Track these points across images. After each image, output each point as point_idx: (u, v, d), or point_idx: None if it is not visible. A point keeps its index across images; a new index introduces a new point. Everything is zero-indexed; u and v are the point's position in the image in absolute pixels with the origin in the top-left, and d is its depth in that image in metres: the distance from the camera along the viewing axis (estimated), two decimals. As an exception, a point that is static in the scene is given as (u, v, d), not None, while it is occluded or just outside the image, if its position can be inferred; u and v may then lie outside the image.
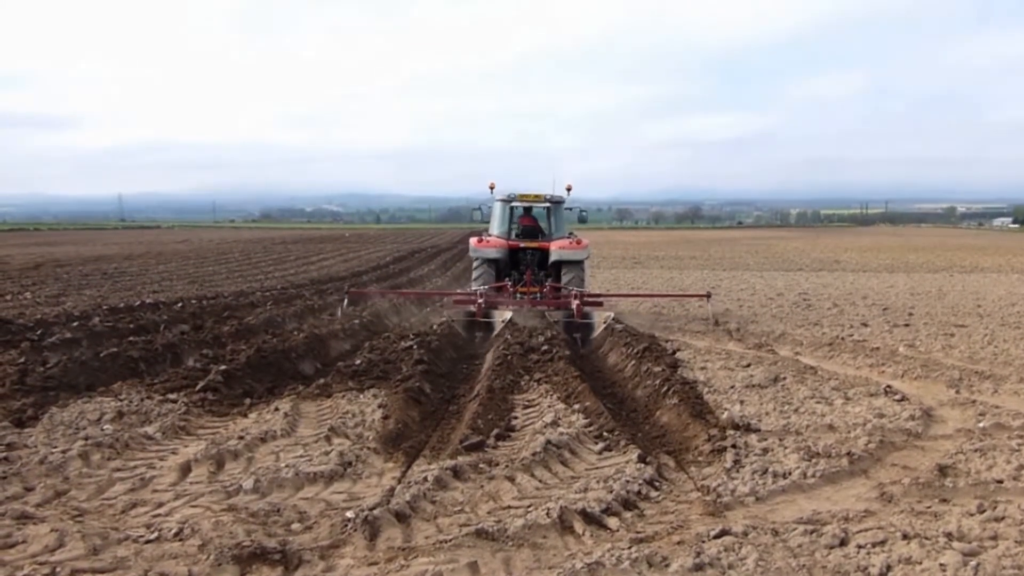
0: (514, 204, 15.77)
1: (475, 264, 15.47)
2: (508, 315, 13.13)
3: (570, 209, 16.83)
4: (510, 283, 15.12)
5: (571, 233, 15.70)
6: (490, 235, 15.77)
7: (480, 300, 13.49)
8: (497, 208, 15.85)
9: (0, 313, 14.70)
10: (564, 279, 14.93)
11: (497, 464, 5.89)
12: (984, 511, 4.87)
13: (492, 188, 16.13)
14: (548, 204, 15.75)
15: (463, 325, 13.21)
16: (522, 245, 15.44)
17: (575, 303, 13.39)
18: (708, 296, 15.79)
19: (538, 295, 14.61)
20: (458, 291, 17.12)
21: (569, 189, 16.41)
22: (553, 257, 14.98)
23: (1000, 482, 5.45)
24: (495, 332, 12.55)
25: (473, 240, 15.69)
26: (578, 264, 14.99)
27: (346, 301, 15.06)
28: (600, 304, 14.81)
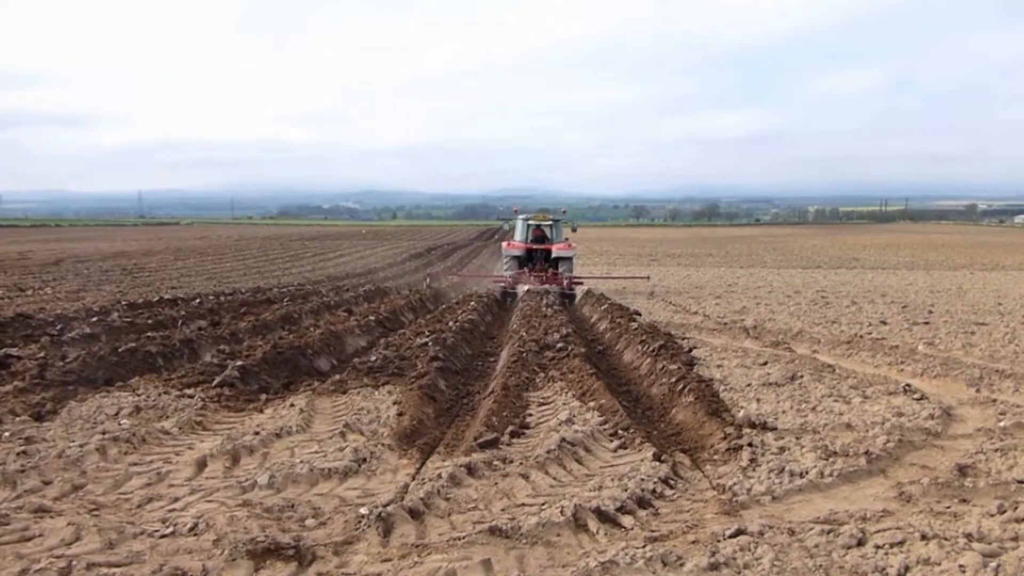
0: (530, 222, 23.95)
1: (505, 259, 23.95)
2: (526, 288, 20.57)
3: (567, 224, 24.88)
4: (527, 270, 22.73)
5: (566, 239, 23.81)
6: (514, 240, 23.92)
7: (509, 280, 22.22)
8: (519, 223, 24.17)
9: (21, 308, 14.88)
10: (561, 268, 22.78)
11: (511, 462, 5.87)
12: (1004, 512, 4.79)
13: (516, 211, 24.95)
14: (551, 221, 24.09)
15: (499, 294, 21.34)
16: (534, 247, 23.37)
17: (565, 282, 21.83)
18: (647, 278, 26.05)
19: (544, 277, 22.09)
20: (495, 274, 26.03)
21: (564, 211, 26.09)
22: (554, 255, 22.99)
23: (1021, 482, 5.36)
24: (519, 298, 19.91)
25: (504, 243, 24.58)
26: (569, 259, 23.07)
27: (428, 279, 25.42)
28: (582, 283, 22.88)
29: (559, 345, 10.66)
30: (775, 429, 6.78)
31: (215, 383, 8.29)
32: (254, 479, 5.39)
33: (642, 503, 5.02)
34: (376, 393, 8.15)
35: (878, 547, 4.28)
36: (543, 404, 7.85)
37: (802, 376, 9.14)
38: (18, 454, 5.75)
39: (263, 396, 8.22)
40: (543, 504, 4.99)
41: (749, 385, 8.77)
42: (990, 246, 55.32)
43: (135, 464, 5.76)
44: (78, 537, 4.30)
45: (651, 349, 10.37)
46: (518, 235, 23.99)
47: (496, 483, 5.43)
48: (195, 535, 4.42)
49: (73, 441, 6.17)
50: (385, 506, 4.77)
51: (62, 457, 5.73)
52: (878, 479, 5.55)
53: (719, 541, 4.36)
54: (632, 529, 4.64)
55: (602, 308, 16.22)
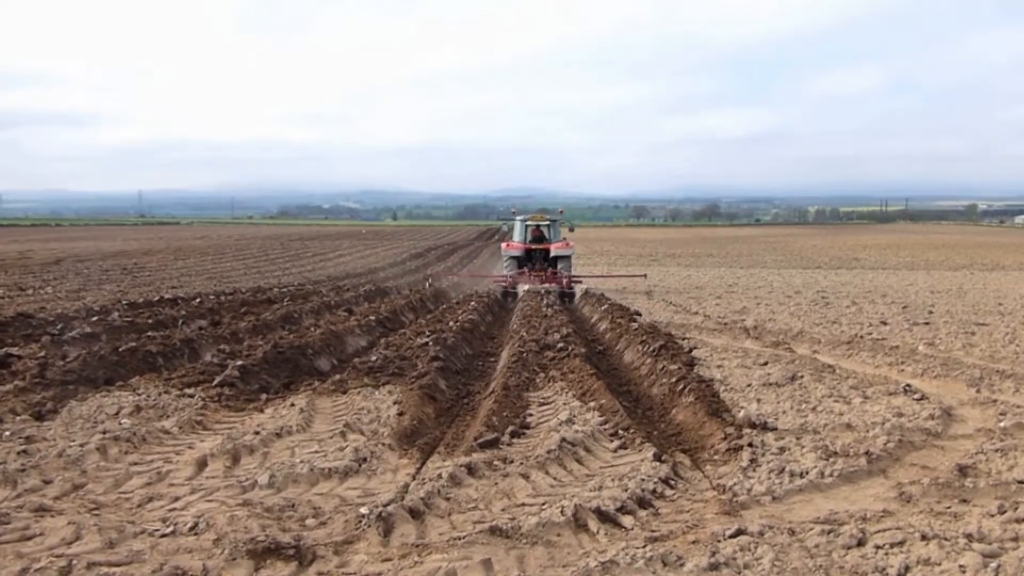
0: (528, 222, 24.44)
1: (505, 259, 24.42)
2: (526, 287, 21.14)
3: (565, 224, 25.50)
4: (526, 270, 23.11)
5: (564, 238, 24.20)
6: (513, 240, 24.34)
7: (510, 279, 22.78)
8: (517, 224, 24.66)
9: (22, 307, 14.89)
10: (559, 267, 23.13)
11: (512, 461, 5.87)
12: (1005, 512, 4.79)
13: (514, 212, 25.27)
14: (549, 221, 24.56)
15: (500, 294, 21.93)
16: (533, 247, 23.76)
17: (564, 281, 22.36)
18: (645, 276, 25.82)
19: (543, 277, 22.50)
20: (496, 274, 26.71)
21: (562, 212, 26.39)
22: (552, 254, 23.27)
23: (1021, 482, 5.36)
24: (519, 297, 20.29)
25: (503, 244, 25.10)
26: (567, 258, 23.48)
27: (431, 280, 25.79)
28: (580, 281, 23.59)
29: (559, 345, 10.66)
30: (775, 429, 6.78)
31: (215, 383, 8.29)
32: (254, 479, 5.39)
33: (642, 503, 5.01)
34: (376, 393, 8.15)
35: (878, 547, 4.28)
36: (543, 404, 7.85)
37: (802, 376, 9.13)
38: (19, 453, 5.76)
39: (263, 396, 8.22)
40: (543, 504, 4.99)
41: (749, 385, 8.77)
42: (990, 246, 55.33)
43: (135, 463, 5.76)
44: (78, 536, 4.30)
45: (651, 349, 10.36)
46: (516, 235, 24.53)
47: (496, 483, 5.43)
48: (195, 534, 4.41)
49: (73, 440, 6.18)
50: (385, 506, 4.77)
51: (62, 456, 5.73)
52: (878, 479, 5.54)
53: (719, 541, 4.36)
54: (632, 529, 4.64)
55: (602, 308, 16.21)
